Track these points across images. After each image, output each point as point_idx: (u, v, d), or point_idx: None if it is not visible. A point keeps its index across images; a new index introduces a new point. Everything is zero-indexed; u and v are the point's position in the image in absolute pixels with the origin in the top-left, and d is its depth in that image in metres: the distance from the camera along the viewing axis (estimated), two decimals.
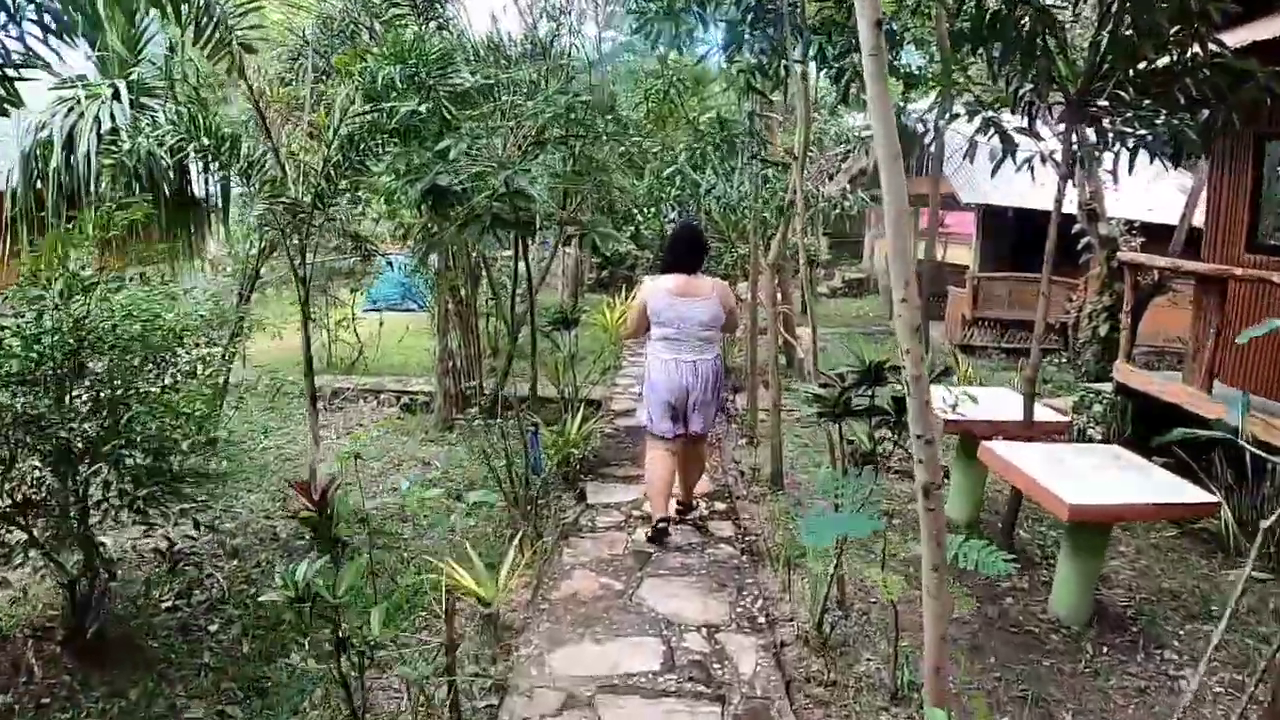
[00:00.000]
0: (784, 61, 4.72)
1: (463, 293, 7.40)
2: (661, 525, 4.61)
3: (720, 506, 5.39)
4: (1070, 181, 4.77)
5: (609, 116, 6.31)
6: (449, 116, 4.55)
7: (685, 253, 4.70)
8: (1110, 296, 10.10)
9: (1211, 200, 7.65)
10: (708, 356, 4.65)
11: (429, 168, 4.79)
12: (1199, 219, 11.19)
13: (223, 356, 7.16)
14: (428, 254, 5.25)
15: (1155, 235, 11.26)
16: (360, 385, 8.83)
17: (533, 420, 5.90)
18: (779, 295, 5.24)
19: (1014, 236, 13.16)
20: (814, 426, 7.74)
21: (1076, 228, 10.19)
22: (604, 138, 5.38)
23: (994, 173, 4.92)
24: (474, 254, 7.09)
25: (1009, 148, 4.73)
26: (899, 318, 2.33)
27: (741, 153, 5.53)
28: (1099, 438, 7.03)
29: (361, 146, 4.98)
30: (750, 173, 5.81)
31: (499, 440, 5.54)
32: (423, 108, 4.41)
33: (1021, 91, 4.96)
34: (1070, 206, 11.67)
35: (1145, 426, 7.57)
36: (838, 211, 8.32)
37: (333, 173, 4.92)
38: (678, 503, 5.03)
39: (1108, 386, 8.26)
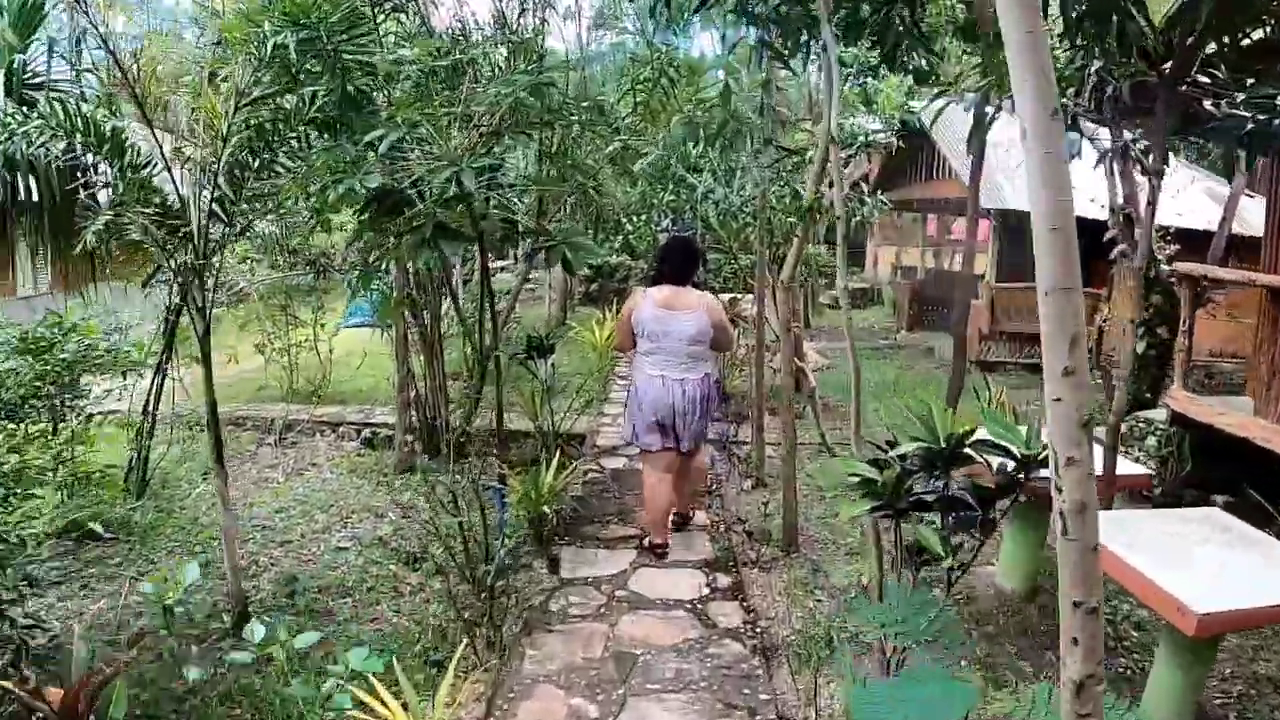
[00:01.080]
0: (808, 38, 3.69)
1: (425, 314, 6.34)
2: (661, 551, 4.50)
3: (724, 581, 4.33)
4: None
5: (592, 109, 5.32)
6: (356, 95, 3.52)
7: (676, 264, 4.46)
8: (1148, 310, 9.06)
9: (1273, 204, 6.67)
10: (696, 375, 4.43)
11: (357, 166, 3.77)
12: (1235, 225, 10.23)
13: (151, 393, 6.19)
14: (363, 278, 4.21)
15: (1187, 242, 10.26)
16: (318, 416, 7.78)
17: (499, 475, 4.86)
18: (792, 317, 4.18)
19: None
20: (826, 456, 6.70)
21: (1109, 234, 9.17)
22: (578, 126, 4.33)
23: (1096, 165, 3.88)
24: (435, 270, 6.04)
25: (1083, 140, 3.69)
26: (1056, 403, 1.30)
27: (751, 138, 4.49)
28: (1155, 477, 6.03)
29: (274, 141, 3.94)
30: (757, 169, 4.77)
31: (460, 492, 4.50)
32: (322, 85, 3.36)
33: (1091, 70, 3.95)
34: (1091, 209, 10.72)
35: (1207, 462, 6.53)
36: (857, 219, 7.29)
37: (238, 175, 3.88)
38: (675, 513, 4.80)
39: (1156, 414, 7.25)
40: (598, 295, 11.71)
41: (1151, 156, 3.69)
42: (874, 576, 2.67)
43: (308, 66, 3.42)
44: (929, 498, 2.28)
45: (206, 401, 4.15)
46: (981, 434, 2.36)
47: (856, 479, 2.41)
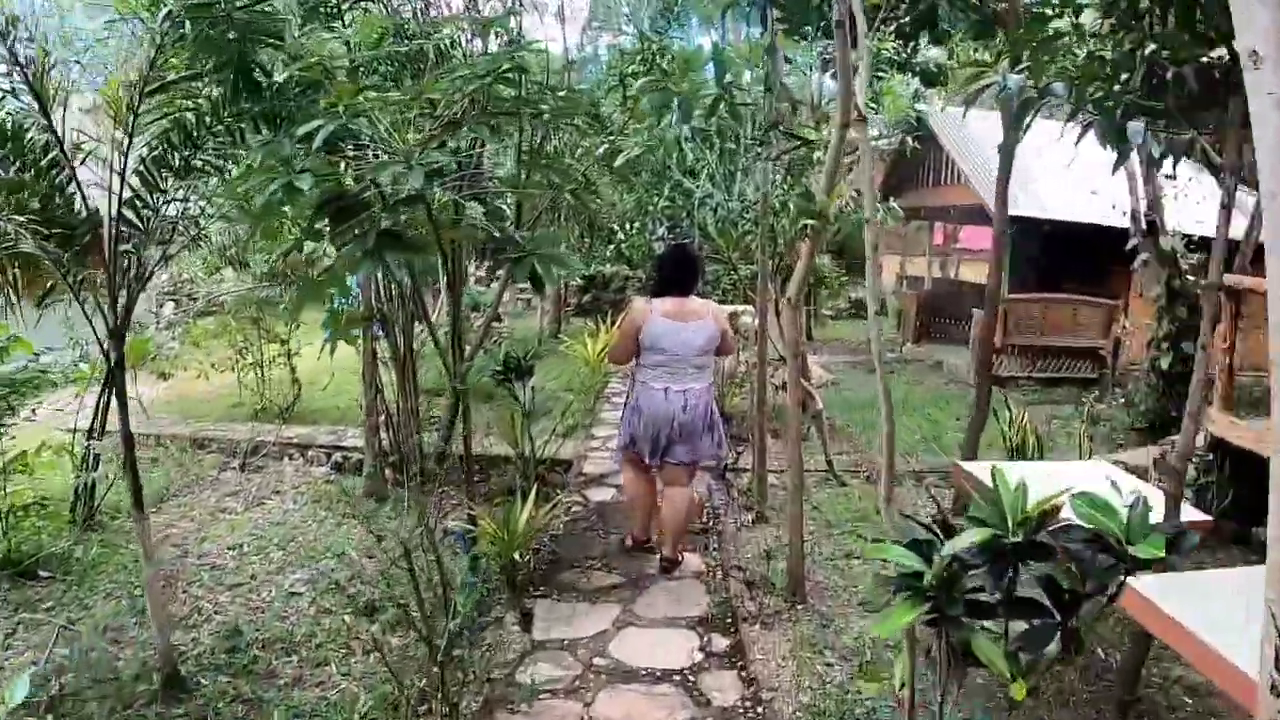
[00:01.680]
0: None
1: (397, 333, 5.75)
2: (644, 545, 4.42)
3: (721, 644, 3.71)
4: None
5: (571, 100, 4.76)
6: (262, 80, 2.94)
7: (679, 273, 4.29)
8: (1172, 323, 8.47)
9: None
10: (700, 385, 4.27)
11: (290, 164, 3.18)
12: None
13: (96, 415, 5.60)
14: (299, 302, 3.61)
15: (1208, 250, 9.66)
16: (287, 438, 7.19)
17: (468, 514, 4.28)
18: (800, 334, 3.58)
19: (1045, 253, 11.51)
20: (834, 485, 6.11)
21: (1132, 243, 8.59)
22: (551, 117, 3.74)
23: (1114, 169, 3.30)
24: (404, 282, 5.47)
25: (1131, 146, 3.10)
26: None
27: (753, 122, 3.89)
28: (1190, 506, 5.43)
29: (198, 137, 3.37)
30: (760, 167, 4.19)
31: (418, 539, 3.91)
32: (214, 63, 2.78)
33: (1144, 53, 3.36)
34: (1108, 215, 10.13)
35: (1251, 493, 5.92)
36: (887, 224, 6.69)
37: (151, 176, 3.30)
38: (663, 559, 4.42)
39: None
40: (591, 307, 11.07)
41: (1225, 154, 3.10)
42: (907, 681, 2.07)
43: (208, 39, 2.83)
44: (992, 600, 1.68)
45: (121, 436, 3.55)
46: (1066, 512, 1.77)
47: (898, 572, 1.81)
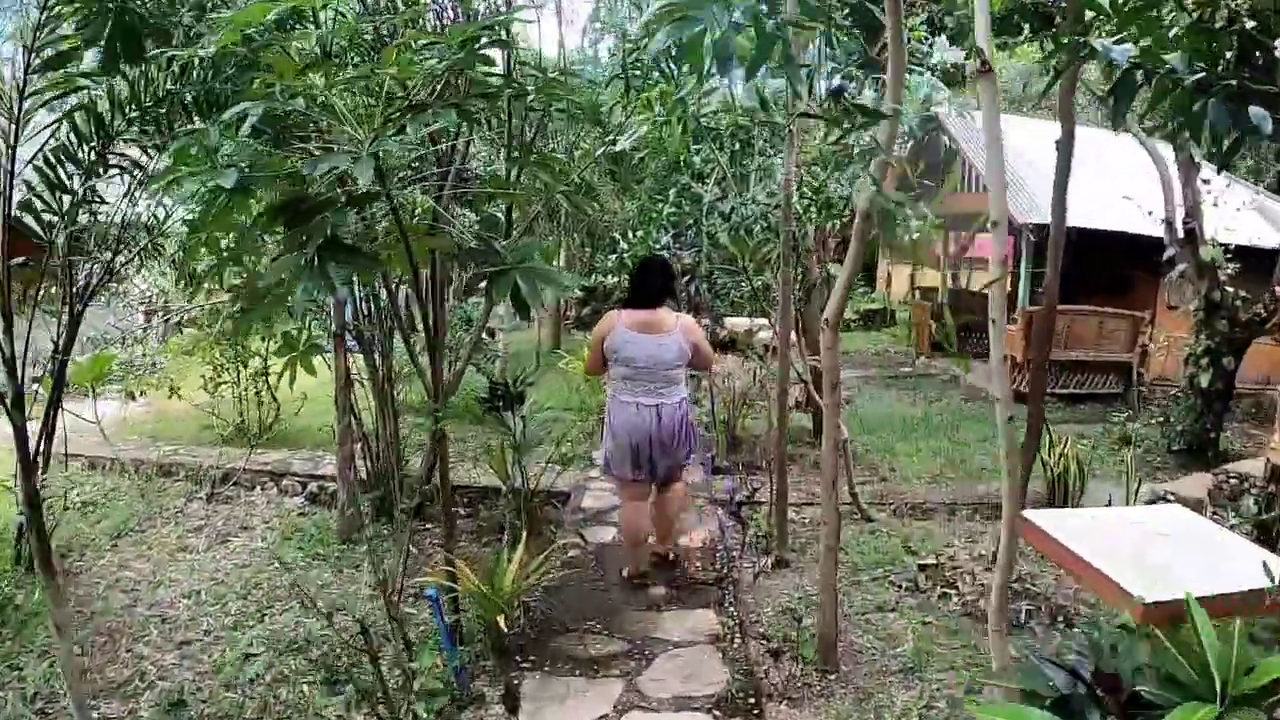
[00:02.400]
0: None
1: (376, 353, 5.14)
2: (639, 581, 4.20)
3: None
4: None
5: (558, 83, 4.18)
6: (131, 32, 2.33)
7: (648, 285, 4.19)
8: (1211, 338, 7.84)
9: None
10: (673, 399, 4.15)
11: (212, 156, 2.58)
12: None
13: (40, 443, 4.96)
14: (242, 324, 2.99)
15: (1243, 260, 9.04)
16: (261, 465, 6.57)
17: (445, 561, 3.65)
18: (831, 358, 2.93)
19: (1067, 262, 10.87)
20: (858, 520, 5.47)
21: (1168, 253, 7.98)
22: (535, 100, 3.12)
23: (1222, 164, 2.67)
24: (379, 292, 4.88)
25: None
26: None
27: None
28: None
29: (113, 125, 2.76)
30: (780, 166, 3.57)
31: (387, 604, 3.29)
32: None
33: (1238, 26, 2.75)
34: (1136, 222, 9.50)
35: None
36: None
37: (53, 173, 2.69)
38: (654, 554, 4.38)
39: (1249, 467, 6.04)
40: (590, 320, 10.44)
41: None
42: None
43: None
44: None
45: (24, 493, 2.93)
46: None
47: None
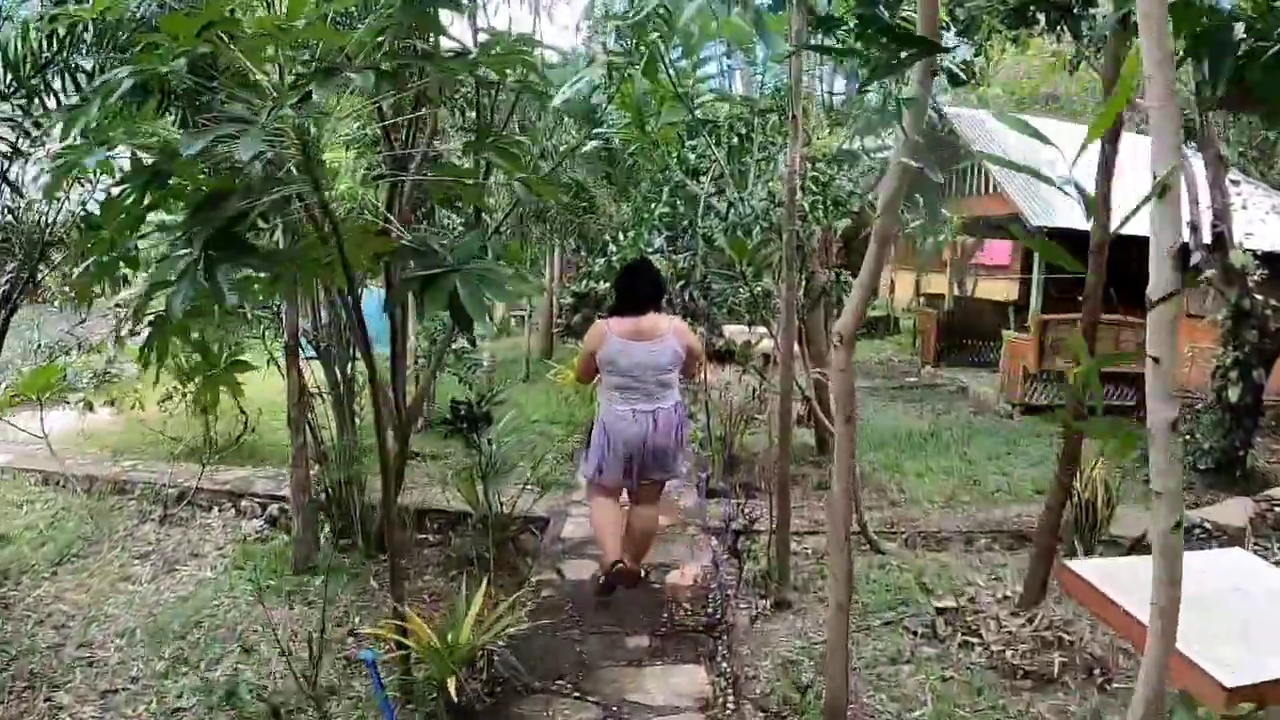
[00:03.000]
0: None
1: (335, 366, 4.63)
2: (616, 572, 3.82)
3: None
4: None
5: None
6: None
7: (637, 291, 4.04)
8: (1240, 349, 7.33)
9: None
10: (667, 404, 4.01)
11: (101, 133, 2.08)
12: None
13: None
14: (147, 349, 2.47)
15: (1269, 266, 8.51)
16: (220, 483, 6.05)
17: (394, 612, 3.14)
18: (845, 380, 2.40)
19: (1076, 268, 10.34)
20: (867, 551, 4.95)
21: (1196, 259, 7.46)
22: (484, 67, 2.60)
23: None
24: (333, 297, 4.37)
25: None
26: None
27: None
28: None
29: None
30: (785, 160, 3.06)
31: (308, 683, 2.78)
32: None
33: None
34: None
35: None
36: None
37: None
38: (625, 570, 3.90)
39: None
40: (582, 327, 9.84)
41: None
42: None
43: None
44: None
45: None
46: None
47: None
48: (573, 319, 9.64)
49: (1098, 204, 3.49)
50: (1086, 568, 2.96)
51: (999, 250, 16.71)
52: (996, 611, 4.13)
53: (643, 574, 4.11)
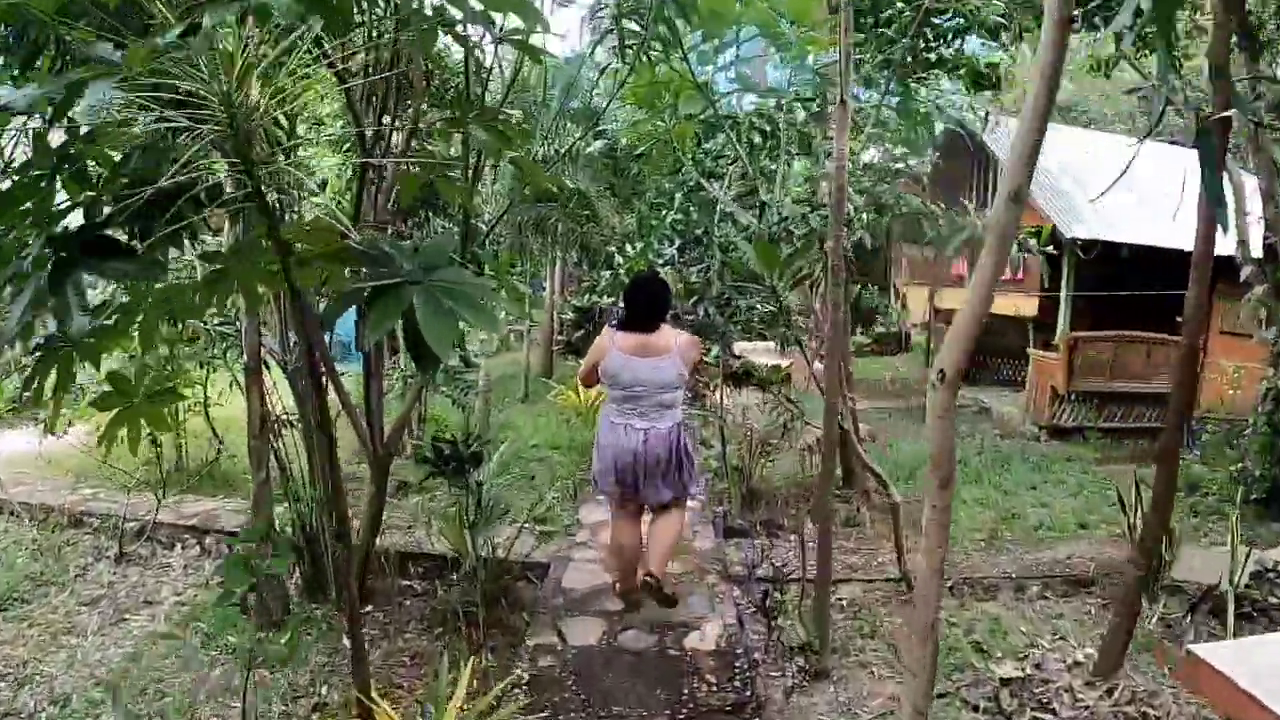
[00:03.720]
0: None
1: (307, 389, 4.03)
2: (632, 598, 3.82)
3: None
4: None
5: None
6: None
7: (643, 306, 3.85)
8: None
9: None
10: (663, 426, 3.80)
11: None
12: None
13: None
14: (31, 381, 1.87)
15: None
16: (184, 517, 5.45)
17: (356, 697, 2.53)
18: (945, 434, 1.80)
19: (1106, 282, 9.69)
20: (907, 600, 4.35)
21: (1246, 273, 6.90)
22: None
23: None
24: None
25: None
26: None
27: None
28: None
29: None
30: (833, 151, 2.48)
31: None
32: None
33: None
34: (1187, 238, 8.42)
35: None
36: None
37: None
38: (645, 574, 3.79)
39: None
40: (582, 345, 9.21)
41: None
42: None
43: None
44: None
45: None
46: None
47: None
48: (574, 335, 9.01)
49: (1201, 214, 2.91)
50: (1219, 657, 2.35)
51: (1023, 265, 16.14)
52: (1069, 681, 3.53)
53: (661, 585, 3.87)
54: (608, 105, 4.85)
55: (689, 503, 4.41)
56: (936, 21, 5.32)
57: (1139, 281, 9.37)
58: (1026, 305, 14.51)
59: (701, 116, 4.34)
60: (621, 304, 4.10)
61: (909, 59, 4.65)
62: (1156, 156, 12.66)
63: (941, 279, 13.61)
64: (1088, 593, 4.72)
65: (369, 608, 4.20)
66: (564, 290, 11.43)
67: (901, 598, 4.33)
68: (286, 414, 4.23)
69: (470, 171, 3.25)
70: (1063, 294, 9.31)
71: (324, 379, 3.33)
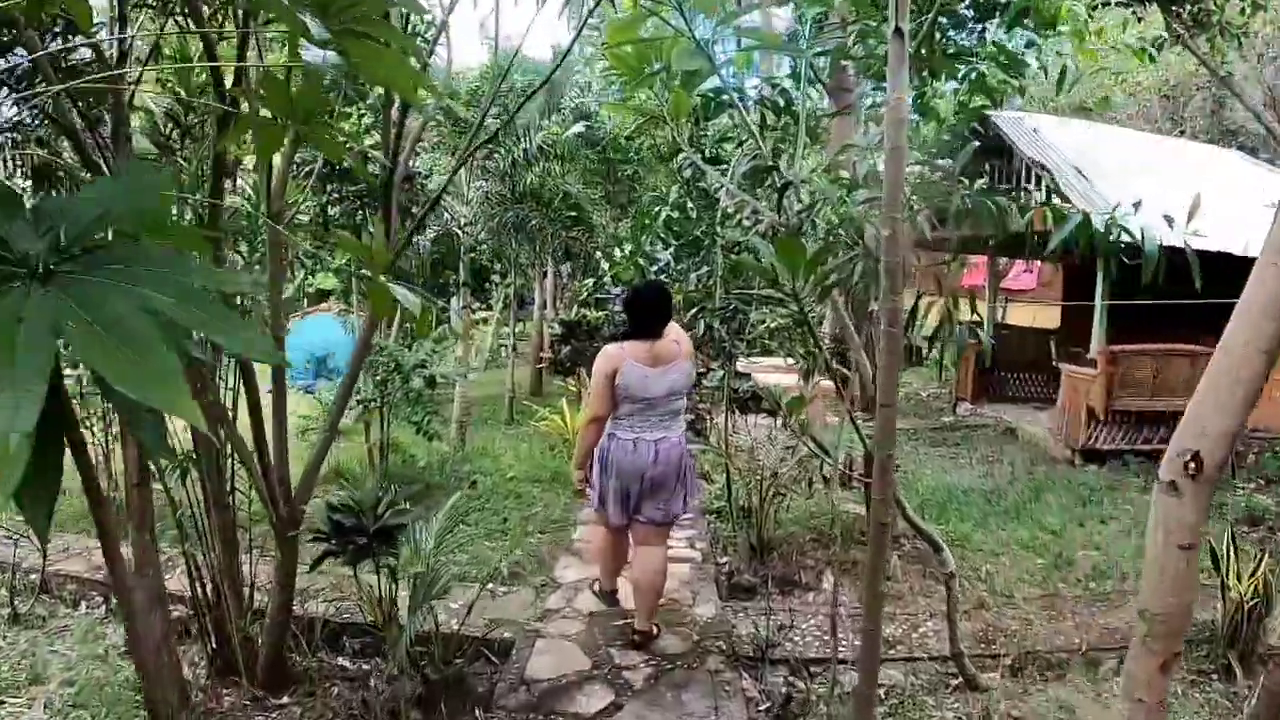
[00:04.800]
0: None
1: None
2: (612, 597, 3.89)
3: None
4: None
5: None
6: None
7: (648, 314, 3.68)
8: None
9: None
10: (673, 435, 3.69)
11: None
12: None
13: None
14: None
15: None
16: (95, 567, 4.60)
17: None
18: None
19: (1142, 290, 8.79)
20: (959, 687, 3.47)
21: None
22: None
23: None
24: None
25: None
26: None
27: None
28: None
29: None
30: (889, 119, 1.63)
31: None
32: None
33: None
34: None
35: None
36: None
37: None
38: (636, 632, 3.65)
39: None
40: (571, 363, 8.18)
41: None
42: None
43: None
44: None
45: None
46: None
47: None
48: (561, 351, 8.13)
49: None
50: None
51: (1021, 273, 15.25)
52: None
53: (656, 632, 3.74)
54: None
55: (689, 550, 4.16)
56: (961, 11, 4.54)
57: (1176, 285, 8.47)
58: (1046, 316, 13.66)
59: (700, 90, 3.51)
60: (624, 315, 3.93)
61: (926, 51, 3.85)
62: (1176, 152, 11.84)
63: (950, 288, 12.73)
64: (1178, 668, 3.84)
65: (285, 699, 3.32)
66: (555, 302, 10.57)
67: (954, 682, 3.45)
68: (183, 455, 3.36)
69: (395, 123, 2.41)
70: (1097, 303, 8.42)
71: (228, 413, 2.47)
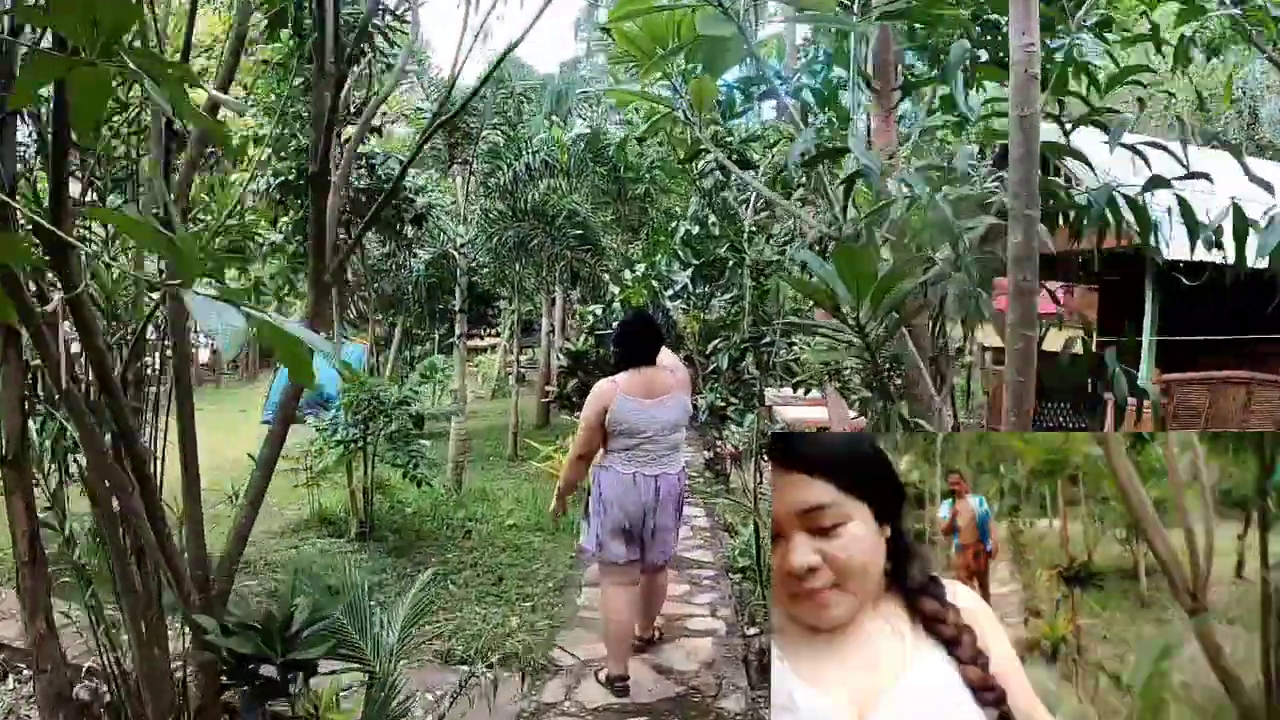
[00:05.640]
0: None
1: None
2: (621, 685, 3.48)
3: None
4: None
5: None
6: None
7: (639, 344, 3.60)
8: None
9: None
10: (674, 470, 3.60)
11: None
12: None
13: None
14: None
15: None
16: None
17: None
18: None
19: (1183, 313, 7.99)
20: None
21: None
22: None
23: None
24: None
25: None
26: None
27: None
28: None
29: None
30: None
31: None
32: None
33: None
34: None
35: None
36: None
37: None
38: (637, 637, 3.77)
39: None
40: (577, 396, 7.45)
41: None
42: None
43: None
44: None
45: None
46: None
47: None
48: (568, 384, 7.44)
49: None
50: None
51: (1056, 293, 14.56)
52: None
53: (657, 636, 3.87)
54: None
55: (711, 619, 4.09)
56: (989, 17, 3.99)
57: (1220, 307, 7.77)
58: (1075, 341, 12.96)
59: (725, 82, 2.94)
60: (615, 347, 3.78)
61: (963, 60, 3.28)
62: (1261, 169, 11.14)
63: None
64: None
65: None
66: (564, 329, 9.97)
67: None
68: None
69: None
70: (1146, 325, 7.71)
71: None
